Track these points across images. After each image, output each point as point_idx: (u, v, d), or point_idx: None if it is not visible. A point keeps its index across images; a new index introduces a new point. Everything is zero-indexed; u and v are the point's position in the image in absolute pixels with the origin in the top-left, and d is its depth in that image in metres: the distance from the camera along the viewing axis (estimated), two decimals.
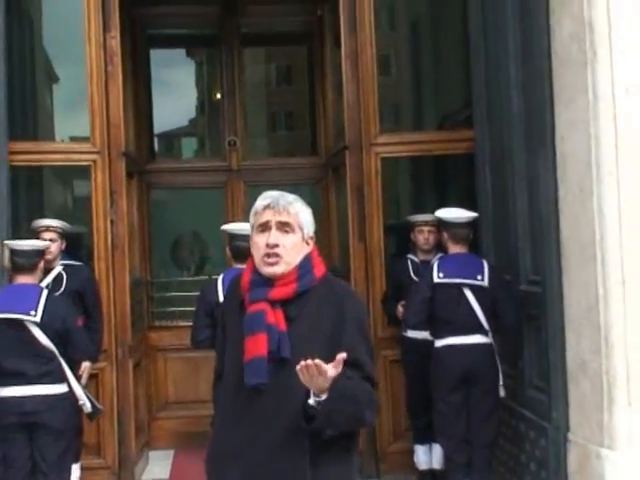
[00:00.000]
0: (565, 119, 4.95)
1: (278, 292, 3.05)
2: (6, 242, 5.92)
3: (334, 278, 3.29)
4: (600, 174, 4.61)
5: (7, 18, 6.61)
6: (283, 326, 3.01)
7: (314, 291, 3.08)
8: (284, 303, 3.05)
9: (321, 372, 2.72)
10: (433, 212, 6.68)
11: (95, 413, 5.92)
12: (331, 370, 2.74)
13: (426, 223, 6.89)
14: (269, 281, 3.06)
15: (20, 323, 5.46)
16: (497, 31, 6.12)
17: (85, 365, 6.06)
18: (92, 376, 6.66)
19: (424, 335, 6.42)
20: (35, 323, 5.45)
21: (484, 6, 6.46)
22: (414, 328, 6.46)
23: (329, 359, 2.77)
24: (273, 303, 3.04)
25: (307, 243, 3.14)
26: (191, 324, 6.07)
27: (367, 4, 7.09)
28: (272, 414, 2.97)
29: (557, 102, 5.06)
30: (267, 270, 3.05)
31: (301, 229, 3.10)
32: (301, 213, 3.10)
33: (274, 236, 3.04)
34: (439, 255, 6.69)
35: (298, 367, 2.75)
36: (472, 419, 6.03)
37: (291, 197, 3.12)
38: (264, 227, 3.07)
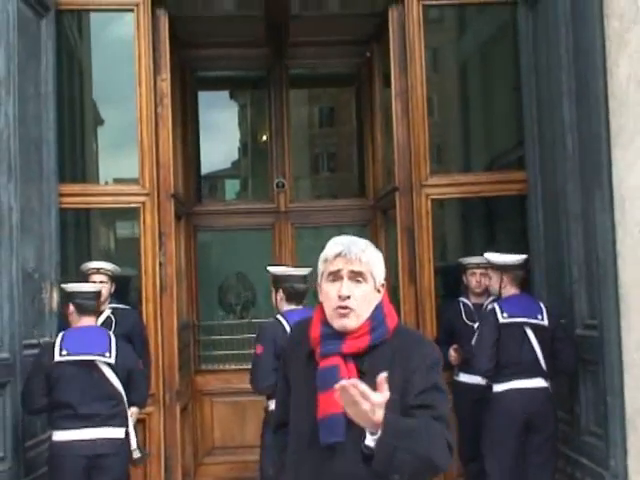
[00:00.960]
0: (623, 160, 4.86)
1: (350, 346, 2.93)
2: (66, 285, 5.91)
3: (406, 328, 3.21)
4: None
5: (57, 60, 6.66)
6: None
7: (387, 343, 2.96)
8: (357, 356, 2.93)
9: (363, 395, 2.56)
10: (483, 254, 6.61)
11: (143, 458, 5.88)
12: (374, 395, 2.57)
13: (478, 266, 6.84)
14: (341, 334, 2.94)
15: (93, 365, 5.48)
16: (549, 71, 6.07)
17: (133, 411, 6.02)
18: (139, 421, 6.61)
19: (477, 379, 6.35)
20: (109, 365, 5.49)
21: (536, 46, 6.41)
22: (488, 375, 6.18)
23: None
24: (345, 357, 2.92)
25: (378, 291, 3.02)
26: (237, 367, 5.98)
27: (418, 43, 7.07)
28: (347, 471, 2.84)
29: (614, 143, 4.97)
30: (339, 323, 2.93)
31: (373, 278, 2.98)
32: (373, 260, 2.97)
33: (346, 287, 2.92)
34: (492, 298, 6.59)
35: (336, 394, 2.61)
36: (530, 465, 5.88)
37: (363, 243, 3.00)
38: (335, 276, 2.96)
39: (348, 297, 2.92)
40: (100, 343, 5.54)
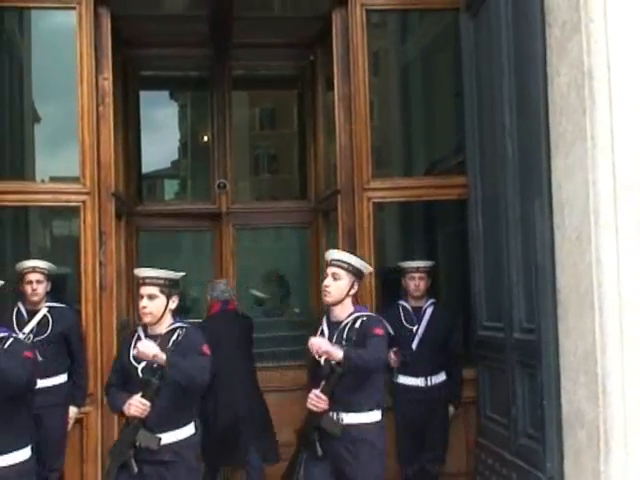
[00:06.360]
0: (562, 167, 4.92)
1: None
2: None
3: None
4: (598, 222, 4.56)
5: None
6: None
7: None
8: None
9: None
10: (423, 258, 6.70)
11: None
12: None
13: (417, 269, 6.87)
14: None
15: None
16: (491, 78, 6.10)
17: (73, 411, 5.95)
18: (77, 420, 6.57)
19: (415, 382, 6.49)
20: None
21: (477, 52, 6.46)
22: None
23: None
24: None
25: None
26: None
27: (361, 48, 7.11)
28: None
29: (554, 149, 5.03)
30: None
31: None
32: None
33: None
34: (432, 301, 6.70)
35: None
36: None
37: None
38: None
39: None
40: None
